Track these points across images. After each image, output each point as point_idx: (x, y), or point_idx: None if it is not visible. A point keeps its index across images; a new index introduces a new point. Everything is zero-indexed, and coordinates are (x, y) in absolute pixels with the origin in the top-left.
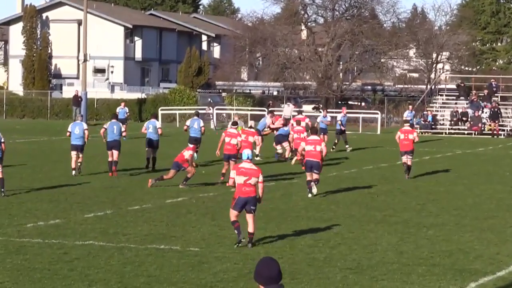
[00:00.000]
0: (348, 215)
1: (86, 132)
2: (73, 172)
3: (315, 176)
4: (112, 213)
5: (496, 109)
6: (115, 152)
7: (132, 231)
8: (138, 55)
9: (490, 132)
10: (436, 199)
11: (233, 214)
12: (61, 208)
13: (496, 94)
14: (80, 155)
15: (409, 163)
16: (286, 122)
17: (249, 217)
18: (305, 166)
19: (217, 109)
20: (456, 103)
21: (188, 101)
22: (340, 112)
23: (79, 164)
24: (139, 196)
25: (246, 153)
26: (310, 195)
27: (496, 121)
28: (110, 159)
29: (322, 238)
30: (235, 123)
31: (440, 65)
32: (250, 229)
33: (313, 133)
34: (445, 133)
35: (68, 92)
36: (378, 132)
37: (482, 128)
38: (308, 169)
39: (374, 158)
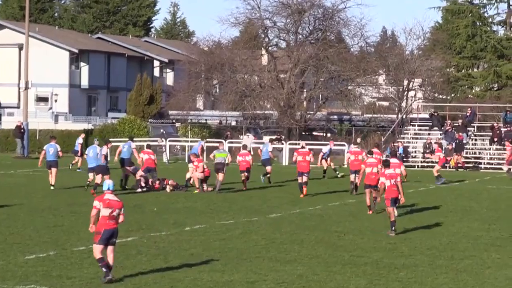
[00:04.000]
0: (313, 256)
1: (103, 157)
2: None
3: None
4: (56, 254)
5: (460, 140)
6: (98, 176)
7: (77, 274)
8: (84, 82)
9: (454, 165)
10: (408, 238)
11: (98, 249)
12: (0, 249)
13: (472, 124)
14: (97, 175)
15: (357, 181)
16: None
17: (111, 250)
18: None
19: (170, 140)
20: (429, 134)
21: (139, 132)
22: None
23: (87, 183)
24: (85, 236)
25: (107, 183)
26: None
27: (459, 154)
28: (97, 181)
29: (285, 281)
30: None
31: (412, 93)
32: (111, 261)
33: (393, 156)
34: (418, 166)
35: (8, 123)
36: (345, 165)
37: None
38: None
39: (341, 194)
